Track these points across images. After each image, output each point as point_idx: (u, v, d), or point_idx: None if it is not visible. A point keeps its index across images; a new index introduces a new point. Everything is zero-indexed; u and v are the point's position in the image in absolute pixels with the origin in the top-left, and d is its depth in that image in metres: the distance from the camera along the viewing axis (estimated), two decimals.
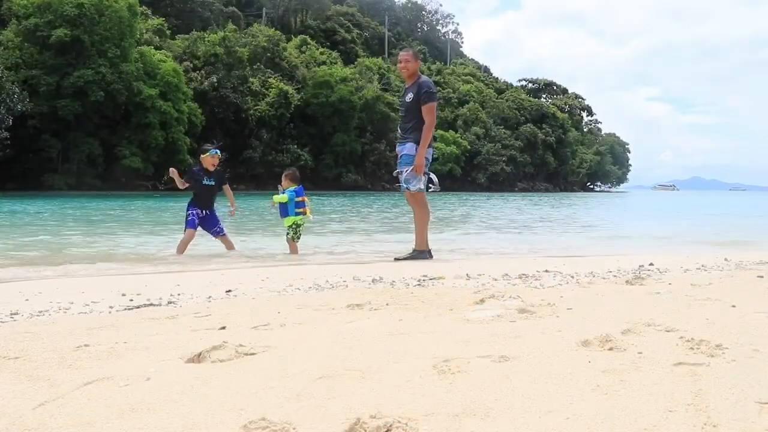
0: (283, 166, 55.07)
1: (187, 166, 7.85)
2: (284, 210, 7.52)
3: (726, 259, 6.01)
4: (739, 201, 46.64)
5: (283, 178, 7.66)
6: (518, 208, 26.48)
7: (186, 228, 7.55)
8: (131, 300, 3.76)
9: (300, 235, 7.62)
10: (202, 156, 7.81)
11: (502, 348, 2.33)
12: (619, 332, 2.55)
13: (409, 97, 6.55)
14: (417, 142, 6.44)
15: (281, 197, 7.45)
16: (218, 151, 7.85)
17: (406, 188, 6.53)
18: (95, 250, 8.20)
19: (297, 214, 7.49)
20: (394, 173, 6.71)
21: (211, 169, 7.75)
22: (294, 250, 7.52)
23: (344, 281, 4.52)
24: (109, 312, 3.37)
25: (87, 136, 41.14)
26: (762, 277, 4.47)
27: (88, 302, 3.68)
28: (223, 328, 2.79)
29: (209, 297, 3.85)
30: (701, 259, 6.13)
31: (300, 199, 7.51)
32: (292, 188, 7.52)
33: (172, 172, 7.73)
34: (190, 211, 7.59)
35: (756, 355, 2.22)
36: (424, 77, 6.65)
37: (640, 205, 34.47)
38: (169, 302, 3.67)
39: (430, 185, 6.77)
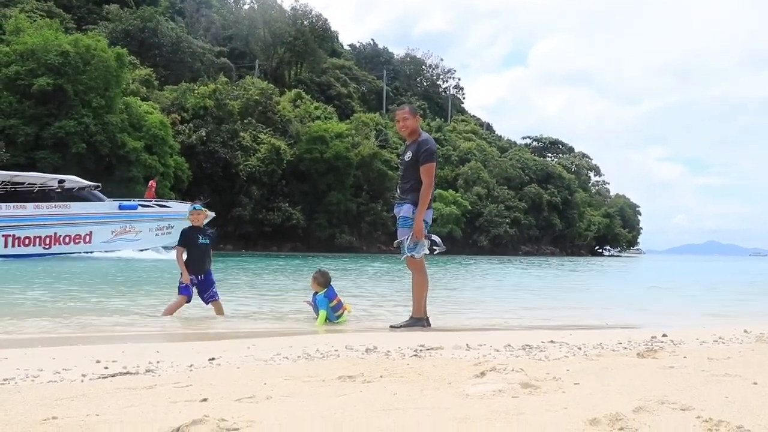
0: (273, 225, 55.24)
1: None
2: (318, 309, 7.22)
3: (746, 331, 5.97)
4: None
5: (311, 281, 7.38)
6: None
7: (179, 293, 7.52)
8: (106, 368, 3.72)
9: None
10: (189, 216, 7.84)
11: (503, 426, 2.30)
12: (630, 410, 2.52)
13: (408, 155, 6.57)
14: (415, 204, 6.42)
15: (321, 317, 7.08)
16: (201, 206, 7.87)
17: (411, 255, 6.49)
18: (67, 311, 8.12)
19: (337, 318, 7.23)
20: (395, 243, 6.65)
21: (202, 225, 7.77)
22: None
23: (336, 350, 4.48)
24: (82, 381, 3.33)
25: None
26: None
27: (59, 370, 3.63)
28: (205, 399, 2.75)
29: (191, 365, 3.81)
30: (718, 330, 6.10)
31: (335, 302, 7.22)
32: (321, 293, 7.20)
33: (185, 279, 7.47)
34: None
35: None
36: (425, 135, 6.64)
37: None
38: (148, 370, 3.63)
39: (435, 247, 6.68)
